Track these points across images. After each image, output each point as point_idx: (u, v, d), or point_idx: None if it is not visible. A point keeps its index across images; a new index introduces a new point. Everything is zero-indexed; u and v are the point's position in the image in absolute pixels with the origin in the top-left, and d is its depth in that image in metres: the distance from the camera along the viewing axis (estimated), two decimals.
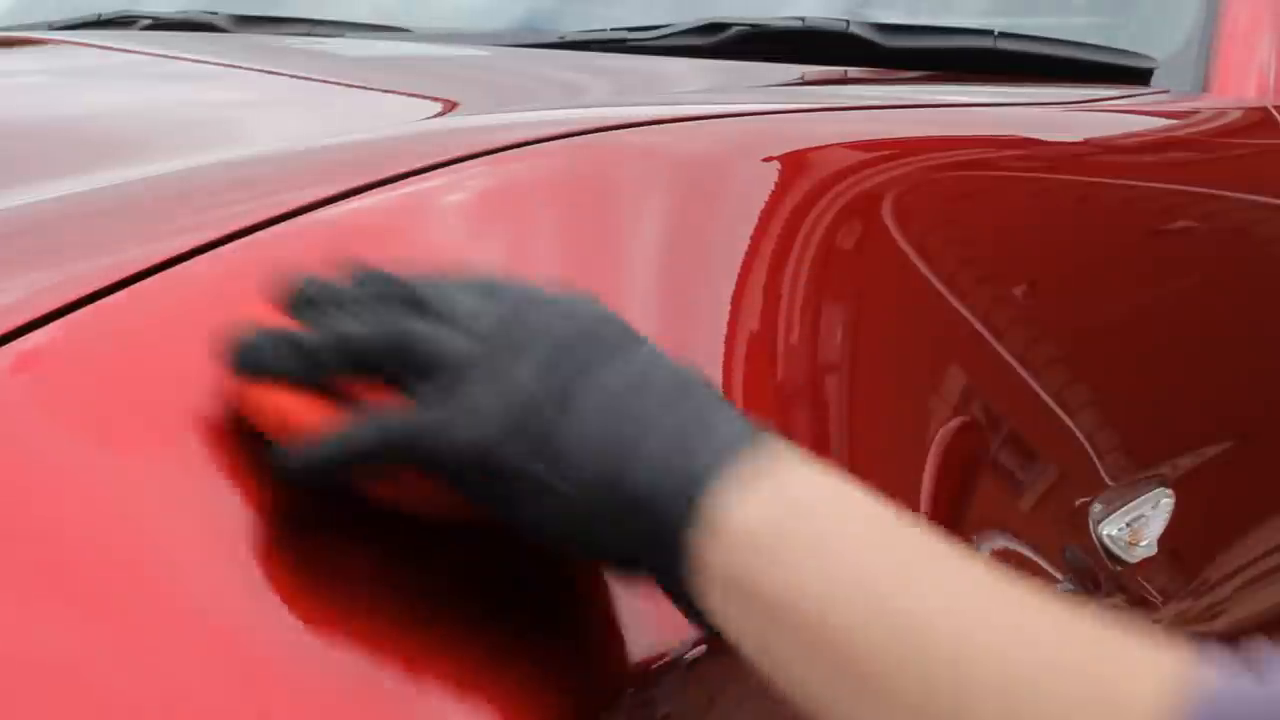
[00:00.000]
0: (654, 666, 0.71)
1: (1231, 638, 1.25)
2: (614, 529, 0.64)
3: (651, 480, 0.64)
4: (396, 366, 0.66)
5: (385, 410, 0.65)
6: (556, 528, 0.65)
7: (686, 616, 0.66)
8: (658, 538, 0.64)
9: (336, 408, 0.66)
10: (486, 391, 0.64)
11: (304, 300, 0.68)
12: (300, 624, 0.64)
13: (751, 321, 0.87)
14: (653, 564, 0.65)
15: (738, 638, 0.65)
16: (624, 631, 0.71)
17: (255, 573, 0.65)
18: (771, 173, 0.98)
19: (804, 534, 0.63)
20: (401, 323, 0.66)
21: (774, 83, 1.40)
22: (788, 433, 0.85)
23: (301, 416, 0.66)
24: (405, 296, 0.68)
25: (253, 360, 0.66)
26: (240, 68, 1.44)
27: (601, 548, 0.66)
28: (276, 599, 0.64)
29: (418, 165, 0.83)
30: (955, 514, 0.97)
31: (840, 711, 0.62)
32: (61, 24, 1.79)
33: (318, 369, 0.66)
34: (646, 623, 0.72)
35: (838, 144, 1.06)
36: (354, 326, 0.66)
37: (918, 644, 0.60)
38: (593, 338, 0.67)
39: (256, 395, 0.67)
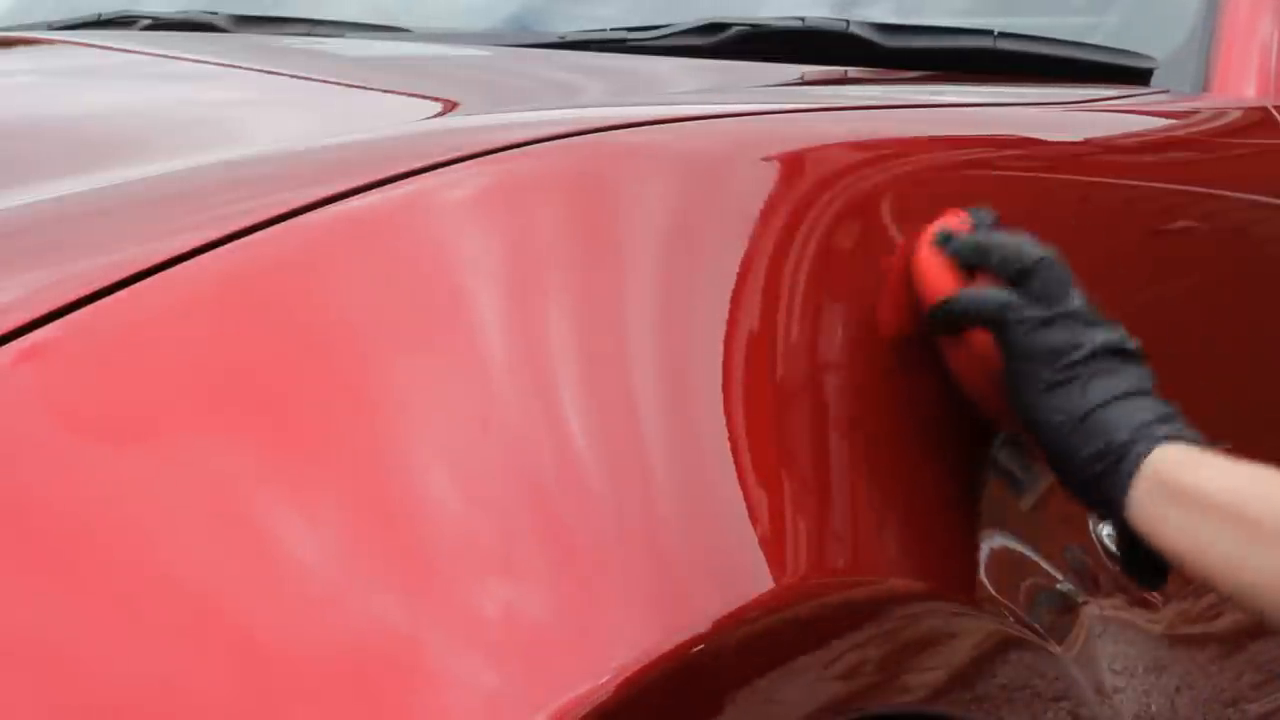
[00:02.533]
0: (653, 667, 0.71)
1: (1232, 638, 1.25)
2: (1085, 445, 0.94)
3: (1120, 424, 0.94)
4: (1007, 272, 0.97)
5: (1013, 296, 0.96)
6: (1051, 430, 0.95)
7: (1116, 529, 0.96)
8: (1113, 463, 0.93)
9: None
10: (1063, 333, 0.96)
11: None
12: (299, 623, 0.64)
13: (751, 321, 0.87)
14: (1105, 482, 0.94)
15: (1160, 535, 0.92)
16: (623, 632, 0.71)
17: (255, 571, 0.65)
18: (771, 173, 0.98)
19: (1214, 469, 0.94)
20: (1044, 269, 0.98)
21: (774, 83, 1.40)
22: (788, 432, 0.85)
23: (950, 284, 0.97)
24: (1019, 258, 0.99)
25: (953, 245, 0.98)
26: (240, 68, 1.44)
27: (1069, 459, 0.95)
28: (275, 597, 0.64)
29: (418, 165, 0.83)
30: (956, 514, 0.97)
31: (1251, 569, 0.91)
32: (61, 24, 1.79)
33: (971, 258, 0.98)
34: (646, 622, 0.72)
35: (838, 144, 1.06)
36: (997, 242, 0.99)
37: None
38: (1123, 344, 0.98)
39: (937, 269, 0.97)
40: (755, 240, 0.90)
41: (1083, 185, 1.21)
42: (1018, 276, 0.97)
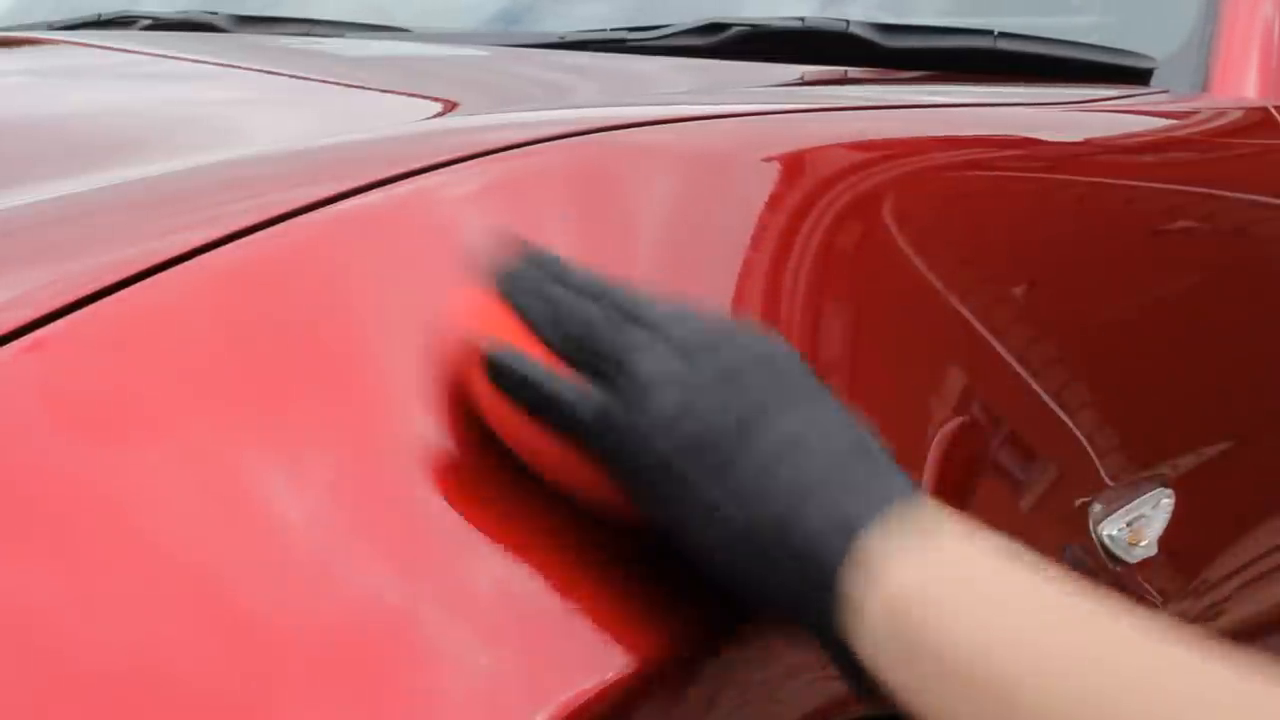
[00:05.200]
0: (654, 666, 0.71)
1: (1232, 638, 1.25)
2: (775, 569, 0.67)
3: (821, 527, 0.66)
4: (607, 358, 0.70)
5: (595, 389, 0.69)
6: (718, 556, 0.68)
7: (836, 662, 0.68)
8: (820, 581, 0.66)
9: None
10: (681, 406, 0.68)
11: (529, 268, 0.72)
12: (300, 620, 0.64)
13: (751, 320, 0.87)
14: (810, 607, 0.67)
15: (891, 683, 0.66)
16: (622, 631, 0.71)
17: (254, 569, 0.65)
18: (771, 173, 0.98)
19: (962, 588, 0.65)
20: (622, 322, 0.70)
21: (774, 83, 1.40)
22: None
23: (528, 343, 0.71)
24: (622, 302, 0.72)
25: (510, 283, 0.72)
26: (240, 68, 1.44)
27: (760, 585, 0.68)
28: (275, 594, 0.64)
29: (418, 165, 0.83)
30: (961, 508, 0.97)
31: None
32: (61, 24, 1.79)
33: (545, 327, 0.71)
34: (645, 622, 0.72)
35: (838, 144, 1.06)
36: (579, 306, 0.71)
37: (1076, 694, 0.61)
38: (782, 379, 0.70)
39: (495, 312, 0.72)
40: (755, 240, 0.90)
41: (1083, 185, 1.21)
42: (606, 349, 0.70)
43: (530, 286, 0.72)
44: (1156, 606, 1.13)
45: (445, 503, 0.70)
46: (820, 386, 0.71)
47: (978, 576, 0.65)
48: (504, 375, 0.70)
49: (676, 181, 0.92)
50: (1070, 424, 1.08)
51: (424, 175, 0.82)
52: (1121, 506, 1.10)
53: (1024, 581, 0.65)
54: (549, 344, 0.71)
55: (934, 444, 0.96)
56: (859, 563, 0.65)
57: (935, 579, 0.65)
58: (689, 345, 0.70)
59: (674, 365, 0.69)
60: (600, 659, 0.70)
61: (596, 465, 0.69)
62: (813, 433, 0.68)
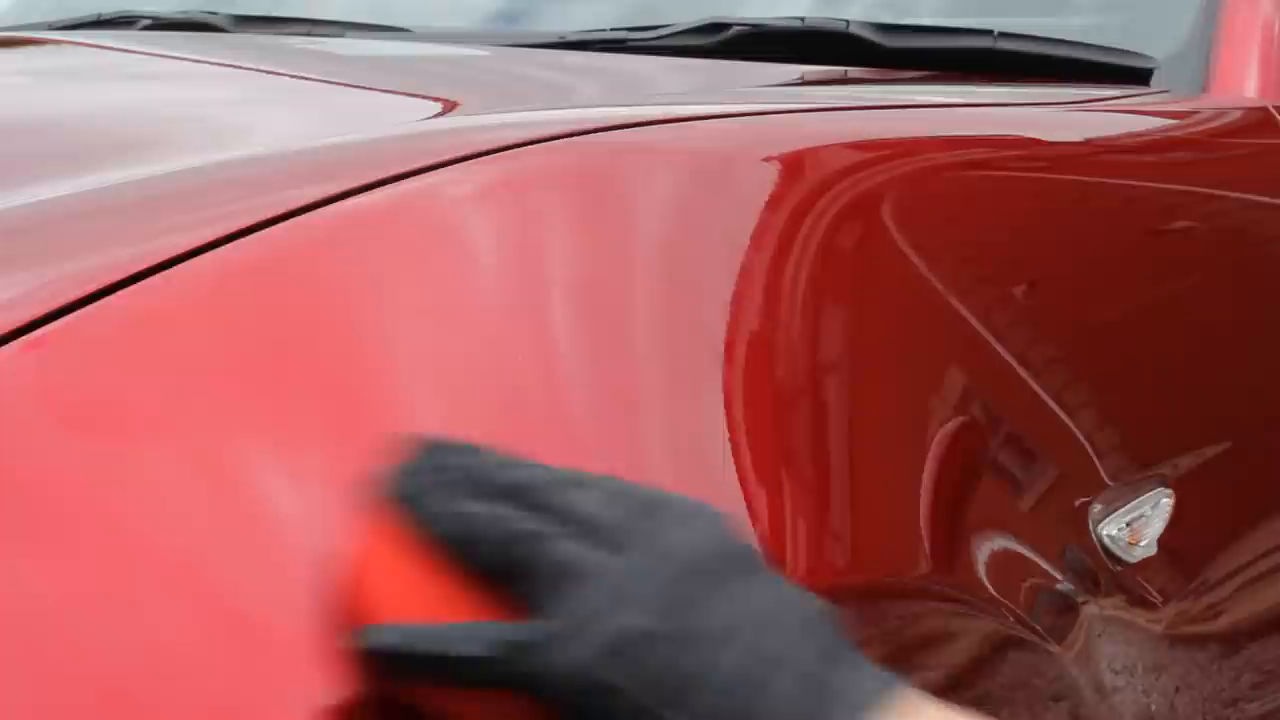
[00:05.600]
0: None
1: (1231, 638, 1.25)
2: None
3: None
4: (509, 569, 0.61)
5: (491, 623, 0.61)
6: None
7: None
8: None
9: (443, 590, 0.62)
10: (605, 611, 0.60)
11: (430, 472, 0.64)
12: (299, 618, 0.64)
13: (751, 321, 0.87)
14: None
15: None
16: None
17: (254, 568, 0.65)
18: (771, 173, 0.98)
19: None
20: (520, 524, 0.62)
21: (774, 83, 1.40)
22: (788, 432, 0.85)
23: (416, 594, 0.62)
24: (530, 495, 0.63)
25: (405, 487, 0.63)
26: (240, 68, 1.44)
27: None
28: (275, 593, 0.64)
29: (418, 165, 0.83)
30: (955, 514, 0.97)
31: None
32: (61, 24, 1.79)
33: (451, 548, 0.62)
34: None
35: (838, 144, 1.06)
36: (472, 515, 0.62)
37: None
38: (719, 561, 0.63)
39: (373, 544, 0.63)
40: (755, 240, 0.90)
41: (1083, 185, 1.21)
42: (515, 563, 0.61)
43: (433, 494, 0.63)
44: (1156, 606, 1.13)
45: None
46: (761, 564, 0.64)
47: None
48: (377, 654, 0.61)
49: (676, 181, 0.92)
50: (1070, 424, 1.08)
51: (424, 175, 0.82)
52: (1121, 506, 1.10)
53: None
54: (459, 559, 0.62)
55: (934, 444, 0.96)
56: None
57: None
58: (605, 535, 0.62)
59: (587, 560, 0.61)
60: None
61: (509, 703, 0.61)
62: (756, 620, 0.61)
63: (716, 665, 0.60)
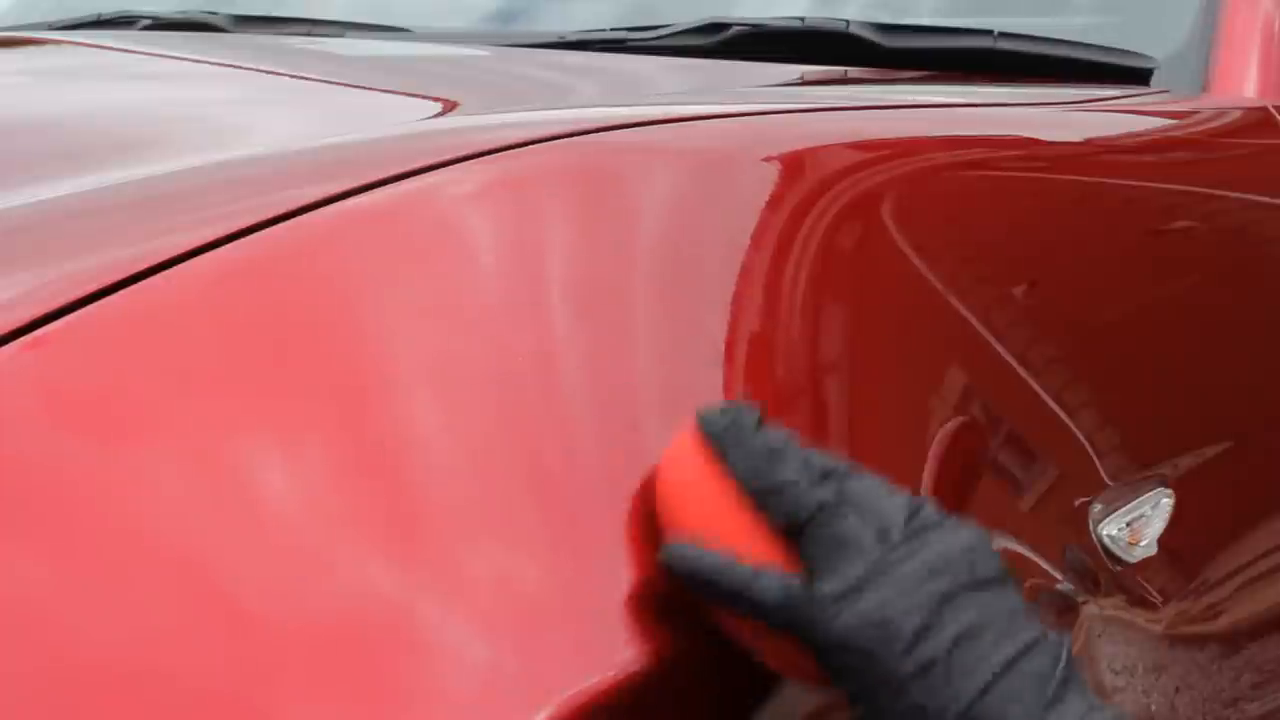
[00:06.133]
0: (653, 664, 0.71)
1: (1231, 638, 1.25)
2: None
3: None
4: (798, 528, 0.72)
5: (780, 573, 0.71)
6: None
7: None
8: None
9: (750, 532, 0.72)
10: (883, 596, 0.70)
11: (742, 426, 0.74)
12: (299, 617, 0.64)
13: (751, 321, 0.87)
14: None
15: None
16: (621, 629, 0.71)
17: (254, 565, 0.65)
18: (771, 172, 0.98)
19: None
20: (813, 494, 0.72)
21: (774, 83, 1.40)
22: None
23: (720, 521, 0.73)
24: (819, 471, 0.73)
25: (729, 427, 0.74)
26: (240, 68, 1.44)
27: None
28: (275, 591, 0.64)
29: (418, 165, 0.83)
30: (955, 514, 0.97)
31: None
32: (61, 24, 1.79)
33: (757, 487, 0.73)
34: (645, 621, 0.72)
35: (838, 144, 1.06)
36: (776, 475, 0.73)
37: None
38: (971, 565, 0.72)
39: (695, 479, 0.73)
40: (755, 240, 0.90)
41: (1083, 185, 1.21)
42: (812, 530, 0.72)
43: (739, 444, 0.74)
44: (1156, 606, 1.13)
45: (445, 500, 0.70)
46: (1007, 577, 0.73)
47: None
48: (684, 572, 0.72)
49: (676, 181, 0.92)
50: (1070, 424, 1.08)
51: (424, 175, 0.82)
52: (1121, 506, 1.10)
53: None
54: (751, 500, 0.73)
55: (934, 444, 0.96)
56: None
57: None
58: (892, 534, 0.72)
59: (875, 550, 0.71)
60: (599, 656, 0.70)
61: (785, 639, 0.72)
62: (995, 628, 0.71)
63: (956, 656, 0.69)
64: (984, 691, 0.69)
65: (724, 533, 0.72)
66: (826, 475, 0.73)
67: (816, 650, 0.71)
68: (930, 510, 0.74)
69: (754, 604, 0.71)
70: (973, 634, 0.70)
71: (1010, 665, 0.69)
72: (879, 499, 0.73)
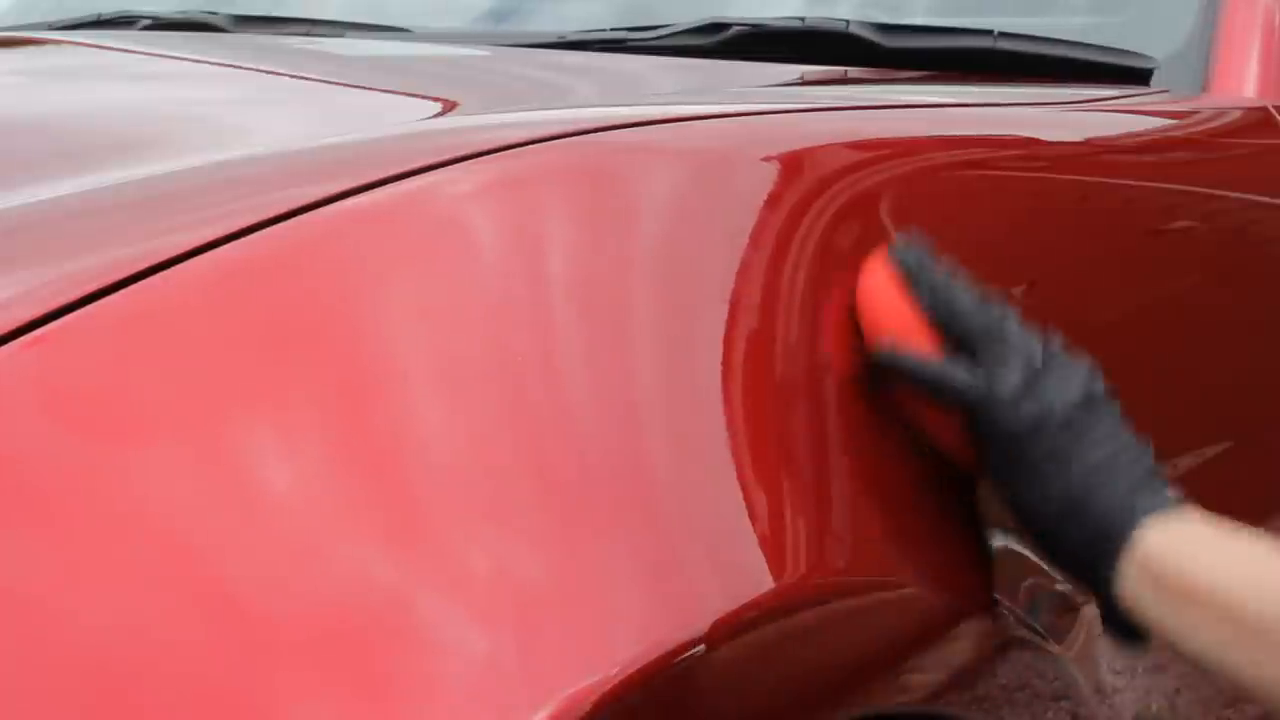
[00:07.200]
0: (653, 665, 0.71)
1: None
2: (1075, 529, 0.91)
3: (1111, 504, 0.90)
4: (976, 338, 0.92)
5: (974, 371, 0.91)
6: (1037, 514, 0.92)
7: (1102, 610, 0.92)
8: (1103, 549, 0.90)
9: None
10: (1038, 400, 0.91)
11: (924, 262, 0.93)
12: (302, 614, 0.64)
13: (751, 320, 0.87)
14: (1092, 566, 0.91)
15: (1158, 623, 0.89)
16: (623, 630, 0.71)
17: (254, 563, 0.65)
18: (771, 172, 0.98)
19: (1204, 548, 0.89)
20: (989, 311, 0.92)
21: (774, 83, 1.40)
22: (788, 432, 0.85)
23: (911, 334, 0.91)
24: (996, 309, 0.93)
25: (915, 262, 0.93)
26: (240, 68, 1.44)
27: (1058, 540, 0.92)
28: (275, 590, 0.64)
29: (418, 165, 0.83)
30: (955, 514, 0.97)
31: (1244, 666, 0.86)
32: (61, 24, 1.79)
33: (939, 310, 0.92)
34: (645, 621, 0.72)
35: (837, 144, 1.06)
36: (957, 294, 0.92)
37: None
38: (1095, 384, 0.93)
39: (895, 298, 0.92)
40: (755, 240, 0.90)
41: (1083, 185, 1.21)
42: (983, 342, 0.92)
43: (924, 276, 0.92)
44: None
45: (446, 498, 0.70)
46: (1118, 405, 0.94)
47: (1222, 545, 0.89)
48: (893, 365, 0.91)
49: (676, 181, 0.92)
50: None
51: (424, 174, 0.82)
52: None
53: (1249, 551, 0.89)
54: (935, 325, 0.92)
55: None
56: (1133, 532, 0.89)
57: (1184, 546, 0.89)
58: (1037, 355, 0.92)
59: (1027, 365, 0.91)
60: (599, 656, 0.70)
61: (961, 429, 0.91)
62: (1118, 436, 0.92)
63: (1085, 455, 0.91)
64: (1092, 483, 0.90)
65: (915, 342, 0.91)
66: (986, 303, 0.92)
67: (988, 435, 0.90)
68: (1058, 338, 0.94)
69: (949, 390, 0.91)
70: (1088, 438, 0.91)
71: (1111, 471, 0.90)
72: (1023, 325, 0.93)
